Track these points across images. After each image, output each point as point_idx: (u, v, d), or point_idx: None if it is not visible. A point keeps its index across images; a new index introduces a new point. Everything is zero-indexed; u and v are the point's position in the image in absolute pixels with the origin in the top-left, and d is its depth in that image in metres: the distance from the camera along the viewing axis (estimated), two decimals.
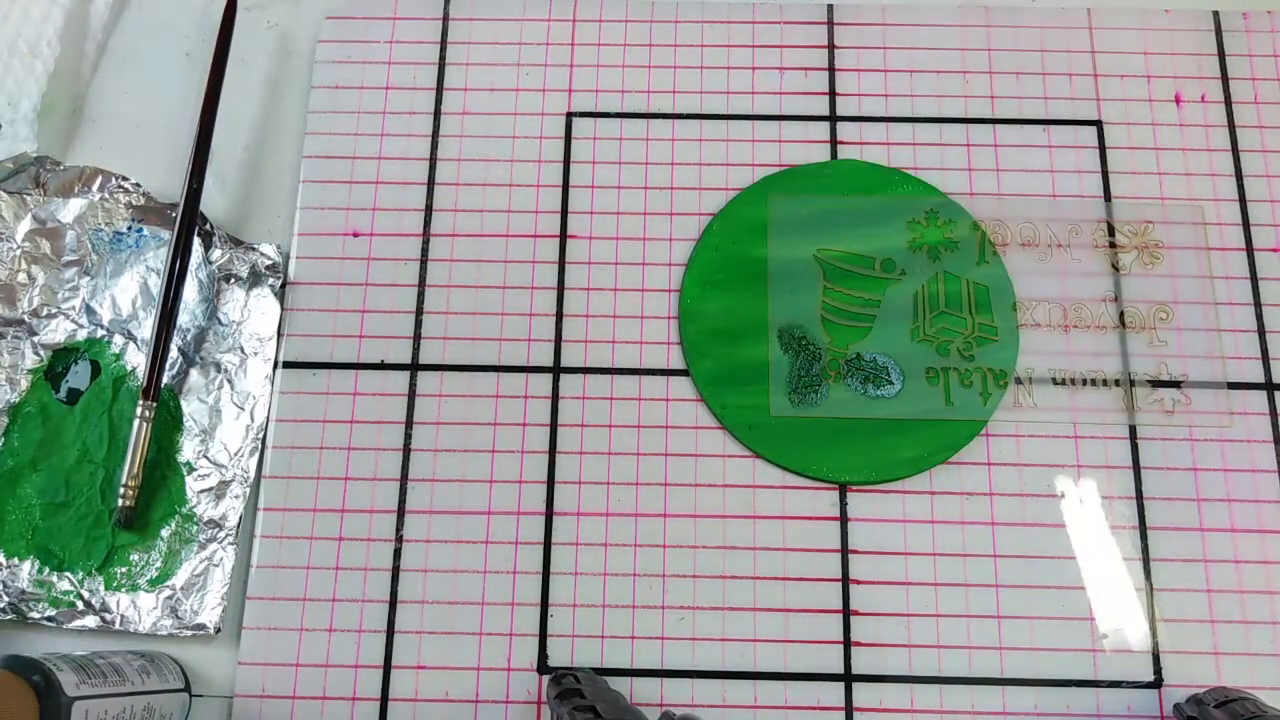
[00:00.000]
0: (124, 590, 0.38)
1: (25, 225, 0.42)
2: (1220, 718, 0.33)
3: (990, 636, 0.37)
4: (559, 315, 0.41)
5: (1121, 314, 0.41)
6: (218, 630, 0.37)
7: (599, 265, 0.42)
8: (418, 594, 0.38)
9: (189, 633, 0.37)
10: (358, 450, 0.40)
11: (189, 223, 0.40)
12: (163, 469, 0.39)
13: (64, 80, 0.44)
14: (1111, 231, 0.42)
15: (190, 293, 0.41)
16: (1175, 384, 0.40)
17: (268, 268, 0.41)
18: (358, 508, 0.39)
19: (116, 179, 0.42)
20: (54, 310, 0.41)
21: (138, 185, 0.42)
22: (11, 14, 0.44)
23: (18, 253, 0.41)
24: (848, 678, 0.37)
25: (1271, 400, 0.40)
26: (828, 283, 0.41)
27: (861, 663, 0.37)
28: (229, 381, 0.40)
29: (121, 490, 0.38)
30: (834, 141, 0.43)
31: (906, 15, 0.45)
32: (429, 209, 0.43)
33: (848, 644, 0.37)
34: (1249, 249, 0.42)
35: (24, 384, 0.40)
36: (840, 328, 0.41)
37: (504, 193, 0.43)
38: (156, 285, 0.41)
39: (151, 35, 0.46)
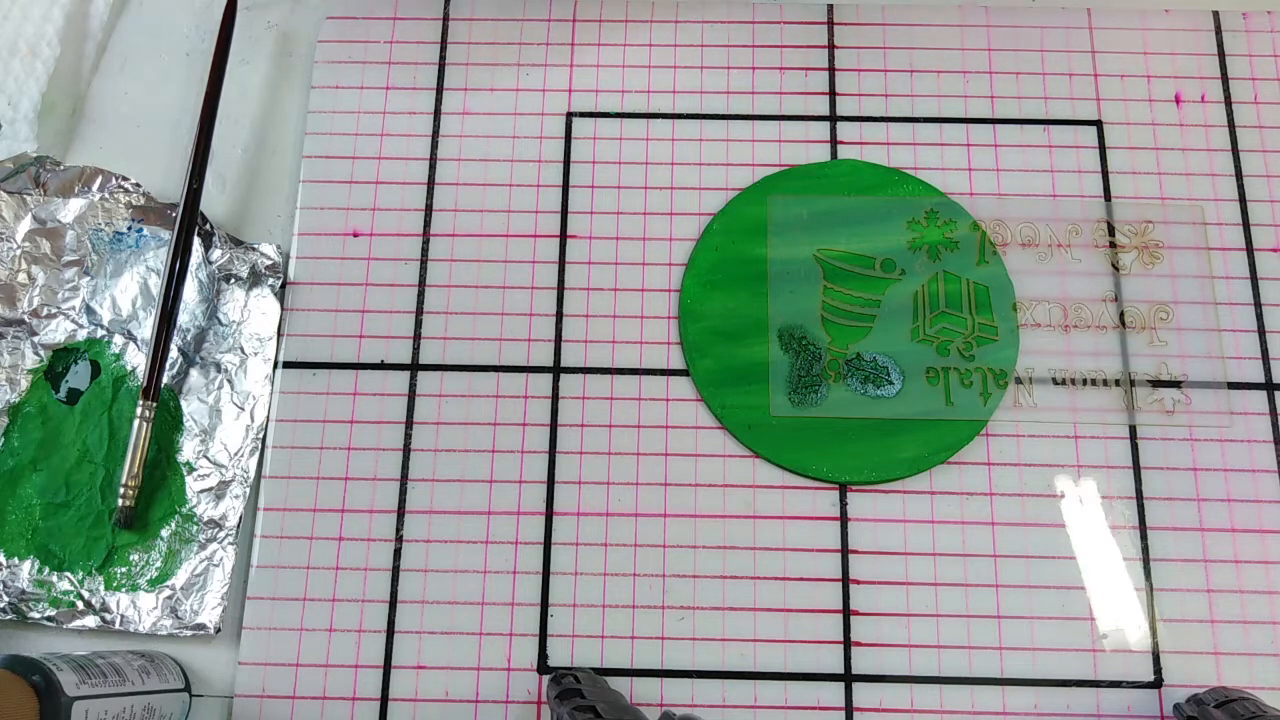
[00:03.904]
0: (124, 590, 0.38)
1: (25, 225, 0.42)
2: (1220, 718, 0.33)
3: (990, 636, 0.37)
4: (559, 315, 0.41)
5: (1121, 314, 0.41)
6: (218, 630, 0.37)
7: (599, 265, 0.42)
8: (418, 594, 0.38)
9: (189, 633, 0.37)
10: (358, 450, 0.40)
11: (189, 223, 0.40)
12: (163, 469, 0.39)
13: (64, 80, 0.44)
14: (1111, 231, 0.42)
15: (190, 293, 0.41)
16: (1175, 384, 0.40)
17: (268, 268, 0.41)
18: (358, 508, 0.39)
19: (116, 179, 0.42)
20: (54, 310, 0.41)
21: (138, 185, 0.42)
22: (11, 14, 0.44)
23: (18, 253, 0.41)
24: (848, 678, 0.37)
25: (1271, 400, 0.40)
26: (828, 283, 0.41)
27: (861, 663, 0.37)
28: (229, 381, 0.40)
29: (121, 490, 0.38)
30: (834, 141, 0.43)
31: (906, 15, 0.45)
32: (429, 209, 0.43)
33: (848, 644, 0.37)
34: (1249, 249, 0.42)
35: (24, 384, 0.40)
36: (840, 328, 0.41)
37: (504, 193, 0.43)
38: (156, 285, 0.41)
39: (151, 35, 0.46)
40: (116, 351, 0.40)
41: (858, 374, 0.40)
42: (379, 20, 0.45)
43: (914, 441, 0.39)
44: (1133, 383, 0.40)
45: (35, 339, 0.40)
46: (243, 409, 0.40)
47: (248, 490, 0.39)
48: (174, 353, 0.40)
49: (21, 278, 0.41)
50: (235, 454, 0.39)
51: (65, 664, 0.32)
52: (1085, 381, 0.40)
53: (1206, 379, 0.40)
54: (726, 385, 0.40)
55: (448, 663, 0.37)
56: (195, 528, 0.38)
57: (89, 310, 0.41)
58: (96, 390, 0.40)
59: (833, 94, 0.44)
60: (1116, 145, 0.43)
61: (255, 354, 0.40)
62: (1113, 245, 0.42)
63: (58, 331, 0.41)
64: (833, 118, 0.44)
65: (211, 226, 0.42)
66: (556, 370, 0.41)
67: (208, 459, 0.39)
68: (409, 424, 0.40)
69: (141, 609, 0.37)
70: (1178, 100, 0.44)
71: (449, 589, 0.38)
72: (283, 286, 0.41)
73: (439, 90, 0.44)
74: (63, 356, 0.40)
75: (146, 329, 0.41)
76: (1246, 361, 0.40)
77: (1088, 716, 0.36)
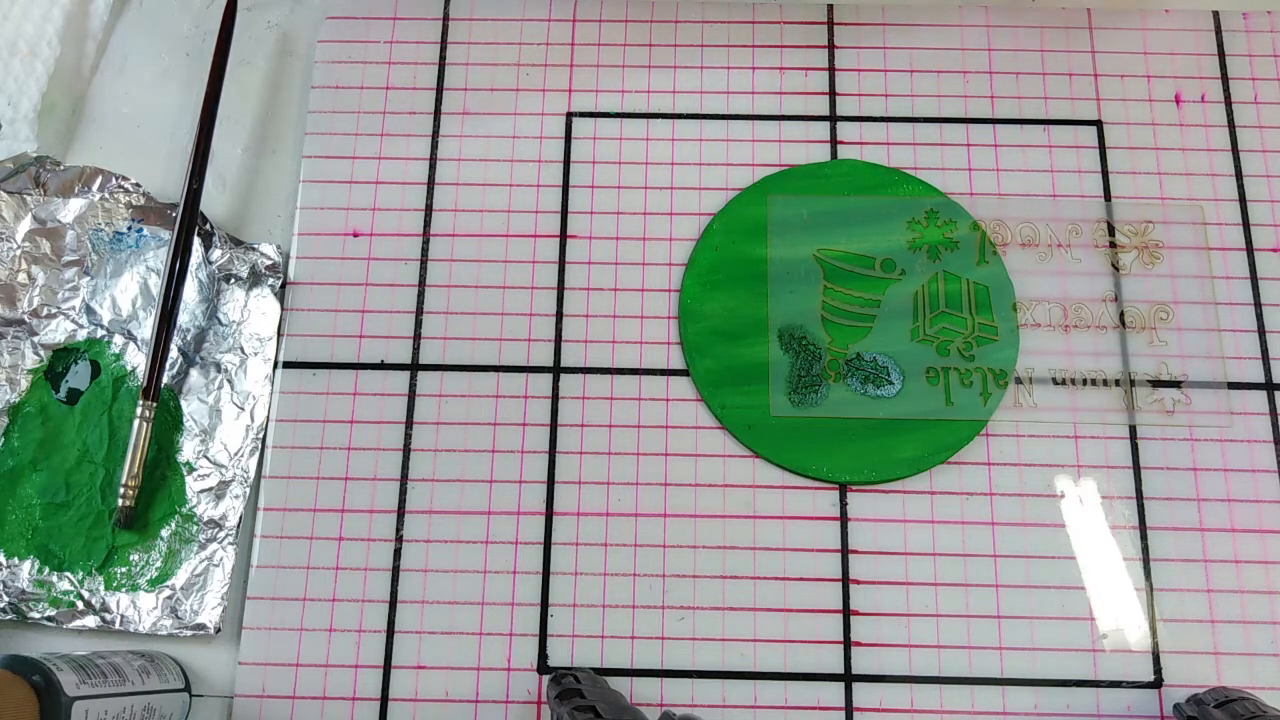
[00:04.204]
0: (124, 590, 0.38)
1: (25, 225, 0.42)
2: (1220, 718, 0.33)
3: (990, 636, 0.37)
4: (559, 315, 0.41)
5: (1121, 314, 0.41)
6: (218, 630, 0.37)
7: (599, 265, 0.42)
8: (418, 594, 0.38)
9: (189, 633, 0.37)
10: (358, 450, 0.40)
11: (189, 223, 0.40)
12: (163, 469, 0.39)
13: (64, 80, 0.44)
14: (1111, 231, 0.42)
15: (190, 293, 0.41)
16: (1175, 384, 0.40)
17: (268, 268, 0.41)
18: (358, 508, 0.39)
19: (116, 179, 0.42)
20: (54, 310, 0.41)
21: (138, 185, 0.42)
22: (11, 14, 0.44)
23: (18, 253, 0.41)
24: (848, 678, 0.37)
25: (1271, 400, 0.40)
26: (828, 283, 0.41)
27: (861, 663, 0.37)
28: (229, 381, 0.40)
29: (121, 490, 0.38)
30: (834, 141, 0.43)
31: (906, 15, 0.45)
32: (429, 209, 0.43)
33: (848, 644, 0.37)
34: (1249, 249, 0.42)
35: (24, 384, 0.40)
36: (840, 328, 0.41)
37: (504, 193, 0.43)
38: (156, 285, 0.41)
39: (151, 35, 0.46)
40: (116, 351, 0.40)
41: (858, 374, 0.40)
42: (379, 20, 0.45)
43: (914, 441, 0.39)
44: (1133, 383, 0.40)
45: (35, 339, 0.40)
46: (243, 409, 0.40)
47: (248, 490, 0.39)
48: (174, 353, 0.40)
49: (21, 278, 0.41)
50: (235, 454, 0.39)
51: (65, 664, 0.32)
52: (1085, 381, 0.40)
53: (1206, 379, 0.40)
54: (726, 385, 0.40)
55: (448, 663, 0.37)
56: (195, 528, 0.38)
57: (89, 310, 0.41)
58: (96, 390, 0.40)
59: (833, 94, 0.44)
60: (1116, 145, 0.43)
61: (255, 354, 0.40)
62: (1113, 245, 0.42)
63: (58, 331, 0.41)
64: (833, 118, 0.44)
65: (211, 226, 0.42)
66: (556, 370, 0.41)
67: (208, 459, 0.39)
68: (409, 424, 0.40)
69: (141, 609, 0.37)
70: (1178, 100, 0.44)
71: (449, 589, 0.38)
72: (283, 286, 0.41)
73: (439, 90, 0.44)
74: (63, 356, 0.40)
75: (146, 329, 0.41)
76: (1246, 361, 0.40)
77: (1088, 716, 0.36)
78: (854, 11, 0.45)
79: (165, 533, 0.38)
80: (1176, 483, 0.39)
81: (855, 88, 0.44)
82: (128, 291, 0.41)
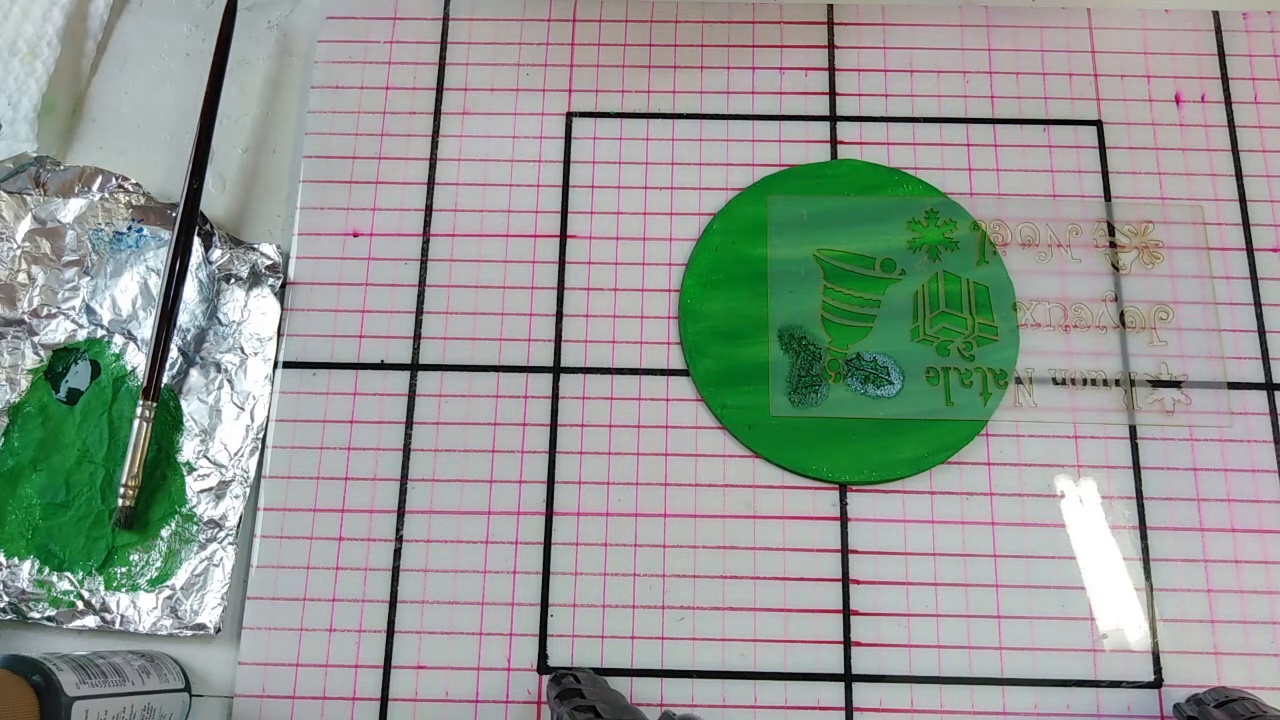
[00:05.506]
0: (124, 590, 0.38)
1: (25, 225, 0.42)
2: (1220, 718, 0.33)
3: (990, 636, 0.37)
4: (559, 315, 0.41)
5: (1121, 314, 0.41)
6: (218, 630, 0.37)
7: (599, 265, 0.42)
8: (418, 594, 0.38)
9: (189, 633, 0.37)
10: (358, 450, 0.40)
11: (189, 223, 0.40)
12: (163, 469, 0.39)
13: (64, 80, 0.44)
14: (1111, 231, 0.42)
15: (190, 293, 0.41)
16: (1175, 384, 0.40)
17: (268, 268, 0.41)
18: (358, 508, 0.39)
19: (117, 179, 0.42)
20: (54, 310, 0.41)
21: (138, 185, 0.42)
22: (11, 14, 0.44)
23: (18, 253, 0.41)
24: (848, 678, 0.37)
25: (1271, 400, 0.40)
26: (828, 283, 0.41)
27: (861, 663, 0.37)
28: (229, 381, 0.40)
29: (121, 490, 0.38)
30: (834, 141, 0.43)
31: (906, 15, 0.45)
32: (429, 209, 0.43)
33: (848, 644, 0.37)
34: (1249, 249, 0.42)
35: (24, 384, 0.40)
36: (840, 327, 0.41)
37: (504, 193, 0.43)
38: (156, 285, 0.41)
39: (151, 35, 0.46)
40: (116, 351, 0.40)
41: (858, 374, 0.40)
42: (379, 20, 0.45)
43: (914, 441, 0.39)
44: (1133, 383, 0.40)
45: (35, 339, 0.40)
46: (243, 409, 0.40)
47: (248, 490, 0.39)
48: (174, 353, 0.40)
49: (21, 278, 0.41)
50: (235, 454, 0.39)
51: (65, 664, 0.32)
52: (1085, 381, 0.40)
53: (1206, 379, 0.40)
54: (726, 385, 0.40)
55: (448, 663, 0.37)
56: (195, 528, 0.38)
57: (89, 310, 0.41)
58: (96, 390, 0.40)
59: (833, 94, 0.44)
60: (1116, 145, 0.43)
61: (255, 354, 0.40)
62: (1113, 245, 0.42)
63: (58, 331, 0.41)
64: (833, 118, 0.44)
65: (211, 226, 0.42)
66: (556, 370, 0.41)
67: (208, 459, 0.39)
68: (409, 424, 0.40)
69: (141, 609, 0.37)
70: (1178, 100, 0.44)
71: (449, 589, 0.38)
72: (283, 286, 0.41)
73: (439, 90, 0.44)
74: (63, 356, 0.40)
75: (146, 329, 0.41)
76: (1246, 361, 0.40)
77: (1088, 716, 0.36)
78: (854, 11, 0.45)
79: (165, 533, 0.38)
80: (1176, 483, 0.39)
81: (855, 88, 0.44)
82: (128, 291, 0.41)
